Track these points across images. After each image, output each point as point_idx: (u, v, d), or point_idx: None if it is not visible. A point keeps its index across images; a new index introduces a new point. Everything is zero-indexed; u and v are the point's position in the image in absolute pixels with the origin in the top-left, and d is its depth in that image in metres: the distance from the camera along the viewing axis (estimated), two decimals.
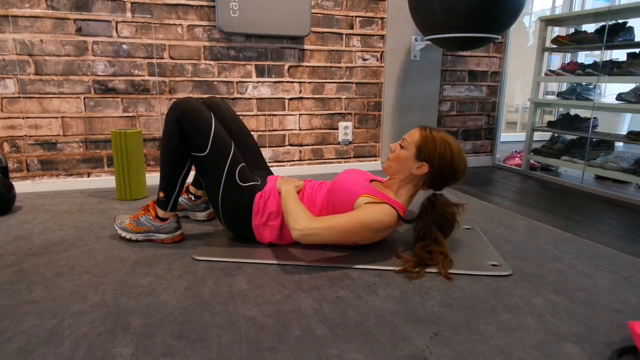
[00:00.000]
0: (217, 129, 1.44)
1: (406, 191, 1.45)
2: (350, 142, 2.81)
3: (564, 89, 2.93)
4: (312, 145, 2.73)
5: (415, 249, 1.39)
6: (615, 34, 2.46)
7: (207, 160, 1.43)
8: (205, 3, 2.33)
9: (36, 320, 1.03)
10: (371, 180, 1.55)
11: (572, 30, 3.04)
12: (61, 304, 1.11)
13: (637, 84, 2.43)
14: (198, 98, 1.83)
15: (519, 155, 3.11)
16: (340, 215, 1.32)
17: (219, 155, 1.43)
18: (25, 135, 2.18)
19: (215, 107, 1.69)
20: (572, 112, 2.97)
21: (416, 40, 2.77)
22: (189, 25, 2.33)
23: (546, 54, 2.99)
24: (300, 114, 2.65)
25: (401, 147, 1.43)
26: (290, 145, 2.68)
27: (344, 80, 2.70)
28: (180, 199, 1.79)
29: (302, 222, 1.28)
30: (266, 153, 2.62)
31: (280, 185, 1.47)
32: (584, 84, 2.78)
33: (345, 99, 2.74)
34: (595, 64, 2.60)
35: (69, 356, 0.90)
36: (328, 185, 1.51)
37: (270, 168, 2.14)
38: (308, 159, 2.73)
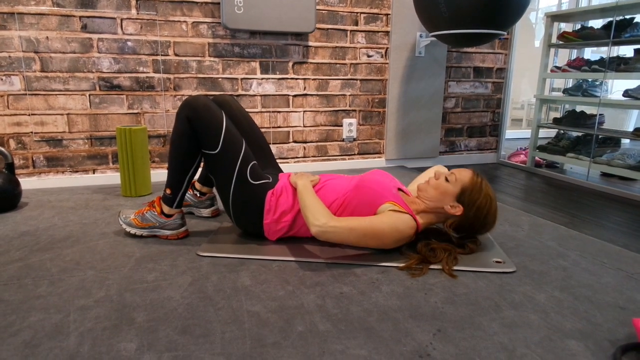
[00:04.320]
0: (228, 127, 1.44)
1: (428, 218, 1.43)
2: (354, 139, 2.81)
3: (570, 86, 2.91)
4: (317, 142, 2.73)
5: (418, 246, 1.39)
6: (622, 30, 2.43)
7: (218, 159, 1.43)
8: (210, 0, 2.33)
9: (42, 315, 1.04)
10: (398, 189, 1.52)
11: (578, 26, 3.02)
12: (67, 299, 1.12)
13: None
14: (208, 96, 1.83)
15: (524, 152, 3.10)
16: (361, 218, 1.30)
17: (230, 153, 1.43)
18: (31, 132, 2.20)
19: (226, 104, 1.69)
20: (578, 108, 2.96)
21: (421, 36, 2.76)
22: (193, 22, 2.33)
23: (552, 50, 2.96)
24: (304, 111, 2.65)
25: (447, 179, 1.40)
26: (295, 142, 2.68)
27: (349, 77, 2.70)
28: (186, 195, 1.79)
29: (322, 219, 1.26)
30: (271, 150, 2.63)
31: (295, 180, 1.46)
32: (590, 80, 2.76)
33: (350, 95, 2.73)
34: (601, 60, 2.58)
35: (74, 350, 0.91)
36: (355, 180, 1.49)
37: None
38: (312, 156, 2.74)
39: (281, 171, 1.70)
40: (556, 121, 2.94)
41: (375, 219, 1.31)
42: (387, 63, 2.77)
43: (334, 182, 1.50)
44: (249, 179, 1.44)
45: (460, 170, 1.41)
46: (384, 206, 1.36)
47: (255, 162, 1.48)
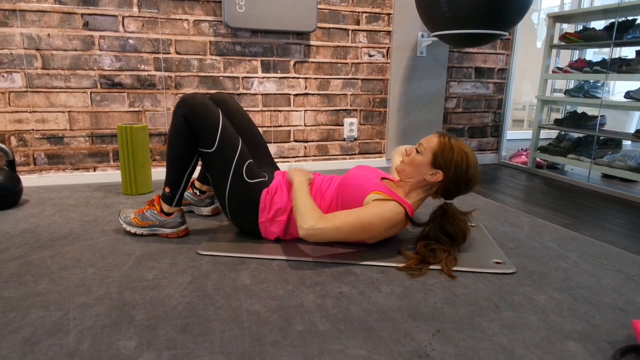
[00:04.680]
0: (224, 125, 1.44)
1: (416, 194, 1.44)
2: (355, 139, 2.81)
3: (572, 87, 2.91)
4: (317, 141, 2.73)
5: (418, 246, 1.39)
6: (625, 31, 2.43)
7: (214, 157, 1.43)
8: None
9: (42, 312, 1.04)
10: (382, 178, 1.54)
11: (580, 27, 3.01)
12: (67, 297, 1.12)
13: None
14: (206, 94, 1.83)
15: (525, 153, 3.10)
16: (346, 212, 1.31)
17: (226, 151, 1.43)
18: (32, 129, 2.20)
19: (223, 102, 1.69)
20: (580, 109, 2.96)
21: (422, 36, 2.76)
22: (195, 21, 2.33)
23: (554, 51, 2.96)
24: (305, 110, 2.65)
25: (417, 151, 1.41)
26: (296, 141, 2.68)
27: (350, 76, 2.70)
28: (185, 193, 1.80)
29: (310, 222, 1.27)
30: (271, 149, 2.63)
31: (293, 176, 1.46)
32: (591, 81, 2.75)
33: (351, 95, 2.73)
34: (603, 61, 2.58)
35: (74, 348, 0.91)
36: (338, 179, 1.51)
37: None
38: (313, 155, 2.74)
39: (278, 169, 1.70)
40: (557, 122, 2.94)
41: (361, 211, 1.31)
42: (389, 63, 2.76)
43: (326, 182, 1.50)
44: (245, 177, 1.44)
45: (426, 138, 1.42)
46: (369, 197, 1.36)
47: (251, 160, 1.48)
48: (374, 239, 1.39)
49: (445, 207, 1.42)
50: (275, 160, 2.65)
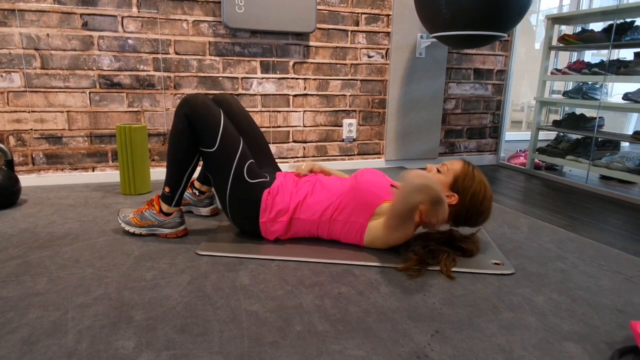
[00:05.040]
0: (226, 125, 1.44)
1: (425, 212, 1.40)
2: (354, 140, 2.81)
3: (570, 88, 2.91)
4: (316, 142, 2.73)
5: (416, 248, 1.39)
6: (623, 33, 2.44)
7: (215, 156, 1.43)
8: None
9: (40, 312, 1.04)
10: (392, 186, 1.52)
11: (579, 28, 3.02)
12: (65, 297, 1.12)
13: None
14: (208, 94, 1.84)
15: (523, 154, 3.10)
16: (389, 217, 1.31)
17: (227, 151, 1.43)
18: (31, 129, 2.19)
19: (225, 103, 1.69)
20: (578, 111, 2.96)
21: (421, 37, 2.76)
22: (194, 21, 2.33)
23: (552, 52, 2.97)
24: (304, 111, 2.65)
25: (438, 170, 1.42)
26: (294, 141, 2.68)
27: (349, 77, 2.70)
28: (185, 194, 1.80)
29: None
30: (270, 149, 2.63)
31: (416, 180, 1.22)
32: (590, 83, 2.76)
33: (350, 96, 2.73)
34: (601, 63, 2.58)
35: (73, 348, 0.91)
36: (348, 182, 1.48)
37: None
38: (312, 156, 2.74)
39: (279, 170, 1.70)
40: (556, 124, 2.95)
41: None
42: (388, 64, 2.77)
43: (326, 182, 1.50)
44: (246, 177, 1.44)
45: (451, 161, 1.43)
46: (385, 205, 1.36)
47: (252, 160, 1.48)
48: (385, 244, 1.40)
49: (452, 233, 1.44)
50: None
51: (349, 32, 2.64)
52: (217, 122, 1.43)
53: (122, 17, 2.21)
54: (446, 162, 1.43)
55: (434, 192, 1.21)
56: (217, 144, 1.42)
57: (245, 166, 1.45)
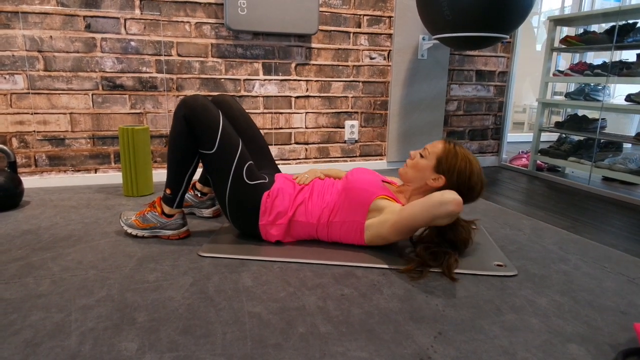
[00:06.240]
0: (225, 127, 1.45)
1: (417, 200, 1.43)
2: (356, 141, 2.81)
3: (572, 90, 2.91)
4: (318, 143, 2.73)
5: (418, 250, 1.38)
6: (625, 35, 2.43)
7: (214, 158, 1.44)
8: (213, 0, 2.33)
9: (43, 314, 1.04)
10: (383, 181, 1.53)
11: (581, 30, 3.02)
12: (68, 298, 1.12)
13: None
14: (208, 95, 1.83)
15: (525, 156, 3.10)
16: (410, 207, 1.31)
17: (226, 153, 1.43)
18: (34, 131, 2.20)
19: (224, 104, 1.69)
20: (580, 112, 2.96)
21: (423, 39, 2.76)
22: (197, 23, 2.33)
23: (555, 53, 2.97)
24: (306, 112, 2.66)
25: (421, 156, 1.42)
26: (297, 143, 2.68)
27: (351, 78, 2.70)
28: (187, 195, 1.80)
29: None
30: (272, 151, 2.63)
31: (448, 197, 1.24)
32: (592, 84, 2.76)
33: (352, 97, 2.73)
34: (604, 64, 2.58)
35: (76, 350, 0.91)
36: (340, 183, 1.50)
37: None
38: (314, 157, 2.74)
39: (279, 171, 1.70)
40: (558, 125, 2.94)
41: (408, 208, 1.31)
42: (390, 65, 2.77)
43: (323, 185, 1.50)
44: (245, 179, 1.44)
45: (432, 143, 1.43)
46: (378, 201, 1.36)
47: (251, 162, 1.48)
48: (386, 241, 1.39)
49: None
50: (276, 162, 2.65)
51: (351, 34, 2.64)
52: (216, 123, 1.43)
53: (125, 19, 2.22)
54: (427, 145, 1.43)
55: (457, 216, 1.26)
56: (216, 146, 1.42)
57: (245, 168, 1.45)
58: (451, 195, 1.22)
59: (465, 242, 1.42)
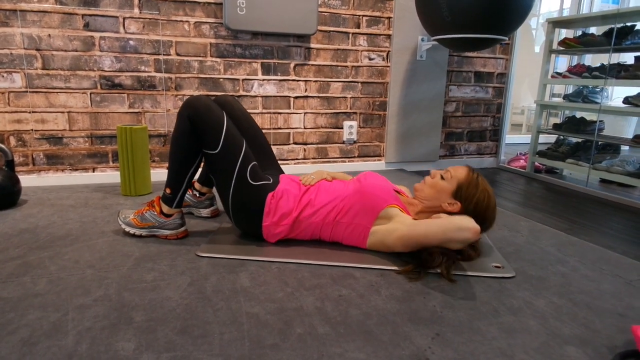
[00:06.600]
0: (228, 127, 1.44)
1: (425, 217, 1.41)
2: (354, 142, 2.81)
3: (570, 92, 2.92)
4: (317, 144, 2.73)
5: (416, 251, 1.38)
6: (624, 37, 2.44)
7: (218, 158, 1.43)
8: (212, 0, 2.33)
9: (40, 313, 1.04)
10: (395, 191, 1.51)
11: (579, 32, 3.02)
12: (65, 298, 1.12)
13: None
14: (210, 96, 1.83)
15: (523, 157, 3.11)
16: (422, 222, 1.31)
17: (230, 153, 1.43)
18: (32, 130, 2.19)
19: (227, 105, 1.69)
20: (578, 114, 2.96)
21: (422, 40, 2.77)
22: (196, 22, 2.33)
23: (553, 56, 2.97)
24: (305, 113, 2.65)
25: (442, 177, 1.40)
26: (295, 143, 2.68)
27: (350, 79, 2.70)
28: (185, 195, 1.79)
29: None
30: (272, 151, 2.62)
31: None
32: (590, 86, 2.76)
33: (351, 98, 2.73)
34: (602, 66, 2.59)
35: (72, 349, 0.91)
36: (352, 185, 1.48)
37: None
38: (312, 158, 2.74)
39: (282, 172, 1.70)
40: (556, 127, 2.95)
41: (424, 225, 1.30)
42: (389, 66, 2.77)
43: (330, 185, 1.50)
44: (249, 180, 1.44)
45: (455, 168, 1.41)
46: (390, 209, 1.36)
47: (255, 162, 1.48)
48: (389, 249, 1.39)
49: None
50: None
51: (350, 35, 2.64)
52: (220, 123, 1.43)
53: (124, 18, 2.21)
54: (450, 168, 1.42)
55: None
56: (220, 146, 1.42)
57: (248, 168, 1.44)
58: (471, 223, 1.22)
59: (471, 257, 1.42)
